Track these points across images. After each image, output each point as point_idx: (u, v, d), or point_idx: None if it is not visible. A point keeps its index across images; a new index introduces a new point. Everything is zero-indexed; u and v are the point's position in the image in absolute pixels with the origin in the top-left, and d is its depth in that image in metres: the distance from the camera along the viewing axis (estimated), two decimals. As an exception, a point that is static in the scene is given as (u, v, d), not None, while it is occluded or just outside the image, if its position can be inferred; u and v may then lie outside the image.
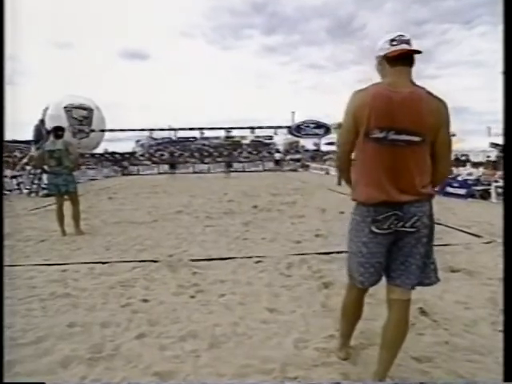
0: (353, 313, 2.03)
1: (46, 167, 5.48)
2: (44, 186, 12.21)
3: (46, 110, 20.77)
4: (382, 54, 1.70)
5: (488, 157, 12.80)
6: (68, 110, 19.89)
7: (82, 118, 19.97)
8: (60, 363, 2.07)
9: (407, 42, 1.65)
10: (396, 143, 1.63)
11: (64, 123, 19.91)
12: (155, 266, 3.90)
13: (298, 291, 3.15)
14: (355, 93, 1.74)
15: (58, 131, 5.55)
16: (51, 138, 5.62)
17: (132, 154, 29.79)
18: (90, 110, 20.74)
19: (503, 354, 1.29)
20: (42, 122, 11.99)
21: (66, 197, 5.53)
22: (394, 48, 1.65)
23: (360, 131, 1.69)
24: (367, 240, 1.73)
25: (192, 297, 3.08)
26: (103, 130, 16.28)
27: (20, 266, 3.86)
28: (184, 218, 7.02)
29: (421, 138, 1.63)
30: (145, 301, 2.97)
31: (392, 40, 1.66)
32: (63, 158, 5.32)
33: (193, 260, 4.09)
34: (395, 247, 1.73)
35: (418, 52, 1.65)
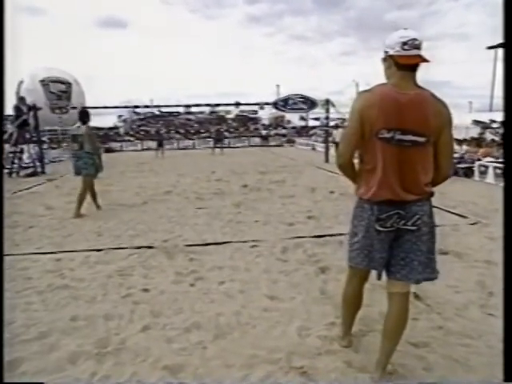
0: (353, 302, 2.11)
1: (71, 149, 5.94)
2: (24, 165, 11.82)
3: (20, 83, 19.73)
4: (391, 53, 1.69)
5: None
6: (45, 83, 18.91)
7: (61, 92, 19.05)
8: (68, 359, 2.08)
9: (418, 46, 1.66)
10: (402, 143, 1.68)
11: (41, 98, 19.00)
12: (151, 253, 3.90)
13: (295, 277, 3.22)
14: (361, 93, 1.77)
15: (84, 118, 5.69)
16: (77, 123, 5.75)
17: (114, 128, 28.90)
18: (68, 84, 19.76)
19: (503, 354, 1.37)
20: (22, 99, 11.39)
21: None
22: (405, 53, 1.65)
23: (366, 131, 1.72)
24: (370, 236, 1.79)
25: (192, 285, 3.11)
26: (85, 108, 15.57)
27: (12, 255, 3.78)
28: (174, 200, 6.97)
29: (425, 138, 1.68)
30: (145, 290, 2.99)
31: (404, 43, 1.64)
32: (85, 142, 5.55)
33: (188, 245, 4.11)
34: (396, 243, 1.80)
35: (428, 61, 1.66)
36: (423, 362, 2.03)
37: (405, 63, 1.66)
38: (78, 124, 5.70)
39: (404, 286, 1.83)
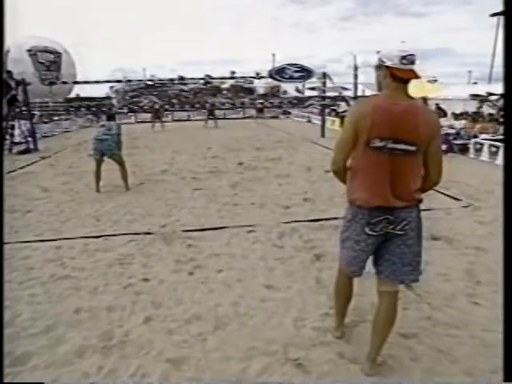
0: (344, 294, 2.24)
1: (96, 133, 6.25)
2: (16, 141, 11.61)
3: (6, 52, 18.92)
4: (388, 64, 1.76)
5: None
6: (32, 53, 18.14)
7: (50, 62, 18.31)
8: (75, 353, 2.18)
9: (414, 62, 1.75)
10: (394, 152, 1.76)
11: (29, 68, 18.34)
12: (149, 239, 3.97)
13: (291, 265, 3.32)
14: (356, 104, 1.88)
15: (110, 116, 6.65)
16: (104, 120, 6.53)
17: (107, 99, 28.13)
18: (57, 53, 18.98)
19: (503, 354, 1.46)
20: (9, 72, 10.98)
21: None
22: (403, 67, 1.74)
23: (360, 140, 1.80)
24: (360, 239, 1.91)
25: (190, 273, 3.20)
26: (76, 82, 15.05)
27: (12, 243, 3.83)
28: (170, 180, 6.98)
29: (416, 147, 1.76)
30: (145, 280, 3.08)
31: (403, 57, 1.72)
32: (113, 129, 6.14)
33: (186, 231, 4.18)
34: (383, 245, 1.92)
35: (420, 77, 1.77)
36: (411, 353, 2.16)
37: (401, 76, 1.74)
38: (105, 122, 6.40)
39: (392, 286, 1.95)
